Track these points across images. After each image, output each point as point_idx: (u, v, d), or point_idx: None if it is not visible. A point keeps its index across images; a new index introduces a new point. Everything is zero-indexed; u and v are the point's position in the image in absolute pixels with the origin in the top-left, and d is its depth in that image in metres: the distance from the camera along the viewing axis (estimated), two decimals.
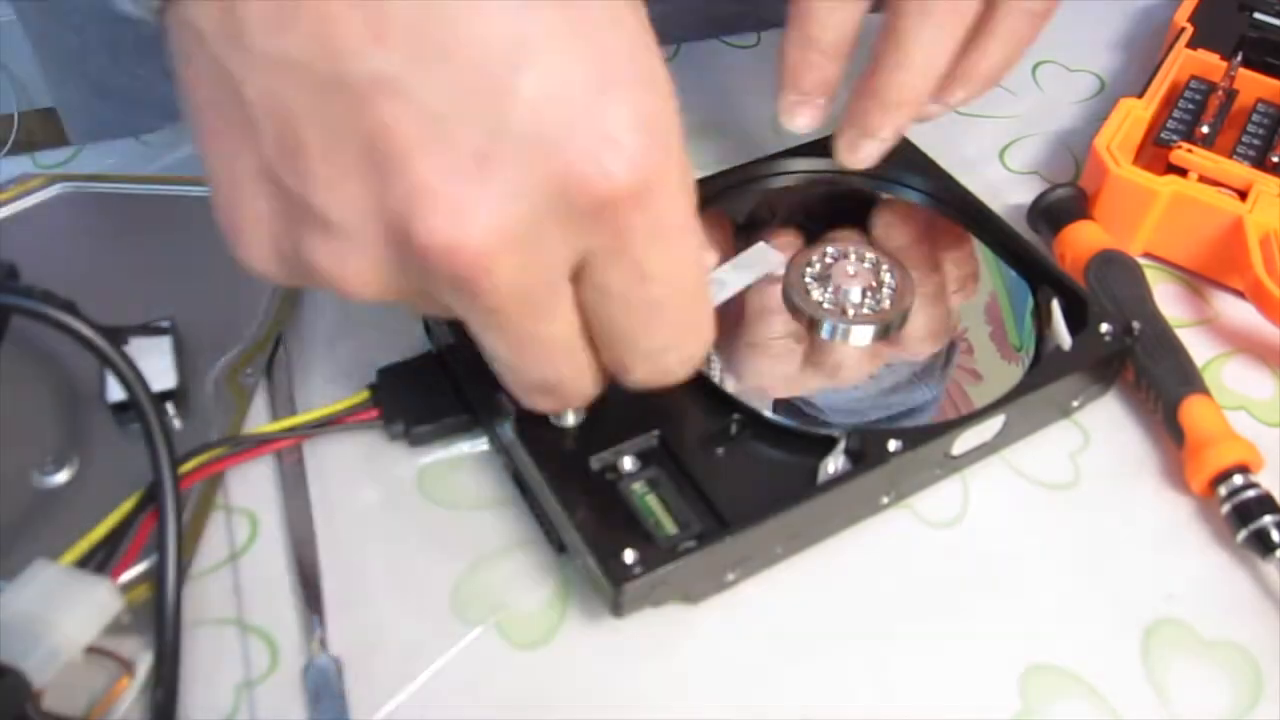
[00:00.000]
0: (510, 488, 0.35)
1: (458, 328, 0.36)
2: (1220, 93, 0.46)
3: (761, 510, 0.31)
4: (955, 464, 0.36)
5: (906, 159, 0.43)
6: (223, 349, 0.37)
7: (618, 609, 0.30)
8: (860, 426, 0.34)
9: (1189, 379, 0.37)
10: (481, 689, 0.31)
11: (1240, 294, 0.42)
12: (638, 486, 0.33)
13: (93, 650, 0.29)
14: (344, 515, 0.34)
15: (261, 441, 0.35)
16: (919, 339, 0.38)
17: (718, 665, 0.32)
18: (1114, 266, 0.40)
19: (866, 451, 0.33)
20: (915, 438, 0.33)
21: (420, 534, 0.34)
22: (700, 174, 0.42)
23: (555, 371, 0.28)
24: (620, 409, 0.35)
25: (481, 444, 0.36)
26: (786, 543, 0.33)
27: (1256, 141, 0.45)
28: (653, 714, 0.31)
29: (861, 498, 0.34)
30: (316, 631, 0.31)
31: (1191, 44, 0.49)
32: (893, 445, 0.33)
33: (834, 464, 0.33)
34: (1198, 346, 0.40)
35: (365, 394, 0.36)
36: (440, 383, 0.36)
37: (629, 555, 0.30)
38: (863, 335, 0.38)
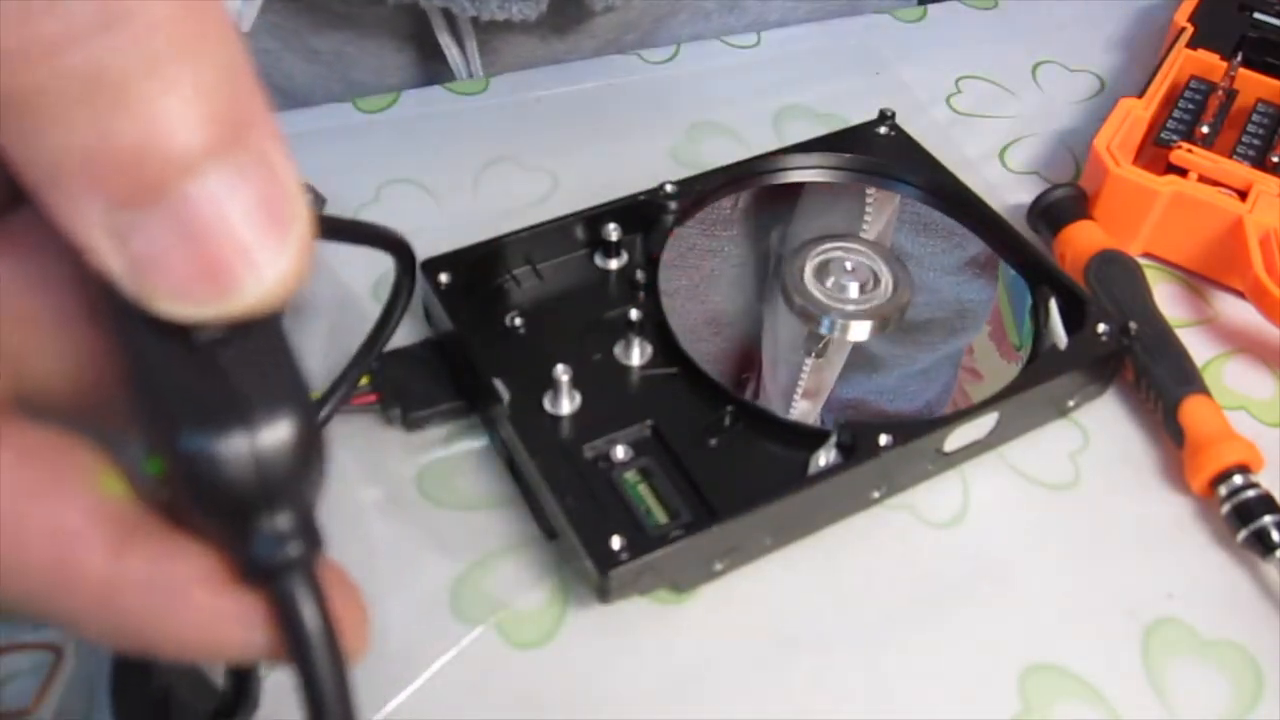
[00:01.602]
0: (510, 487, 0.35)
1: (456, 313, 0.36)
2: (1220, 93, 0.46)
3: (750, 500, 0.31)
4: (949, 460, 0.35)
5: (908, 156, 0.43)
6: None
7: (604, 595, 0.30)
8: (853, 420, 0.34)
9: (1189, 379, 0.37)
10: (481, 689, 0.31)
11: (1240, 294, 0.42)
12: (630, 475, 0.33)
13: None
14: (343, 514, 0.34)
15: None
16: None
17: (718, 666, 0.32)
18: (1114, 266, 0.40)
19: (857, 445, 0.33)
20: (906, 433, 0.33)
21: (420, 534, 0.34)
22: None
23: None
24: (615, 398, 0.35)
25: (481, 443, 0.36)
26: (775, 534, 0.33)
27: (1256, 141, 0.45)
28: (653, 713, 0.31)
29: (851, 491, 0.34)
30: None
31: (1191, 44, 0.49)
32: (883, 440, 0.33)
33: (825, 457, 0.33)
34: (1198, 346, 0.40)
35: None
36: (439, 369, 0.36)
37: (616, 541, 0.30)
38: (861, 330, 0.38)
